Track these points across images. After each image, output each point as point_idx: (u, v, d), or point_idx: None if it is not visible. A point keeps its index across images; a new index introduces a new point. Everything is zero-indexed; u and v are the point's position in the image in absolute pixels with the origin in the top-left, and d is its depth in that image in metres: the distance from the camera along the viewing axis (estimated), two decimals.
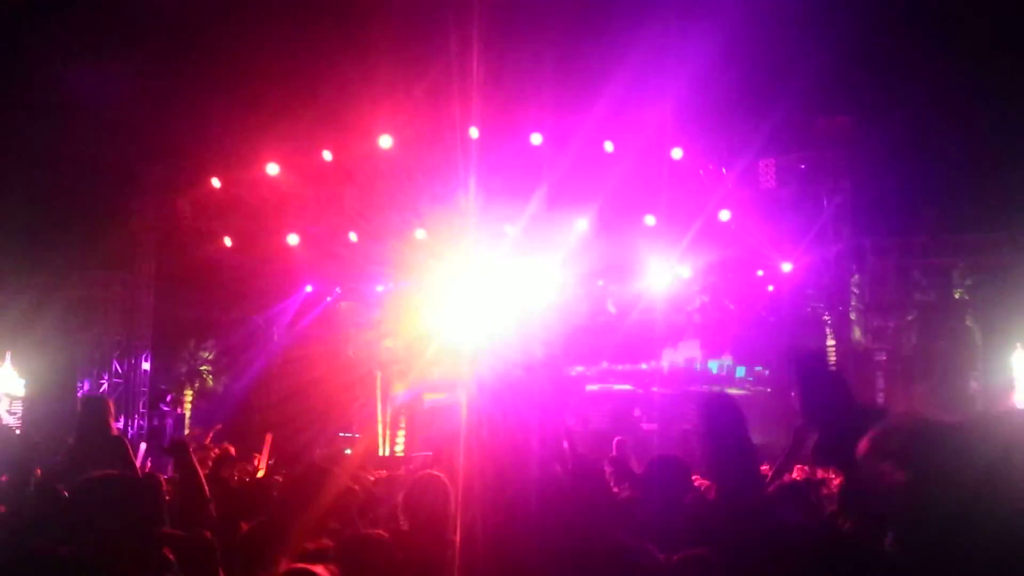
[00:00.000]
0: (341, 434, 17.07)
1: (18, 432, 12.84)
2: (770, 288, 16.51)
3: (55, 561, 3.08)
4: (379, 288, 17.57)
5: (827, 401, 1.81)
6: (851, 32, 12.74)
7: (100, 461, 6.01)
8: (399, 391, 18.56)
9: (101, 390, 16.02)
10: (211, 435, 12.52)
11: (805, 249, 15.51)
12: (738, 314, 16.84)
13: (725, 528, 4.35)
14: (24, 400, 15.22)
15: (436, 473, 4.90)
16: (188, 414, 17.99)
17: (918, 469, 1.47)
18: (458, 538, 2.91)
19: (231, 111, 14.33)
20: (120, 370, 16.79)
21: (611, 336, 17.48)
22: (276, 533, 4.00)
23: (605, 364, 18.19)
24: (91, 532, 3.16)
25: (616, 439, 12.17)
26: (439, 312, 16.73)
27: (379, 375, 18.41)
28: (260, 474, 11.28)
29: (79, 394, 15.69)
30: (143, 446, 11.25)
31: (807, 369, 1.85)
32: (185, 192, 16.48)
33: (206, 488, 4.98)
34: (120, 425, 14.76)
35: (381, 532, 4.60)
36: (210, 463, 8.34)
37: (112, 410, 7.28)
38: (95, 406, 7.03)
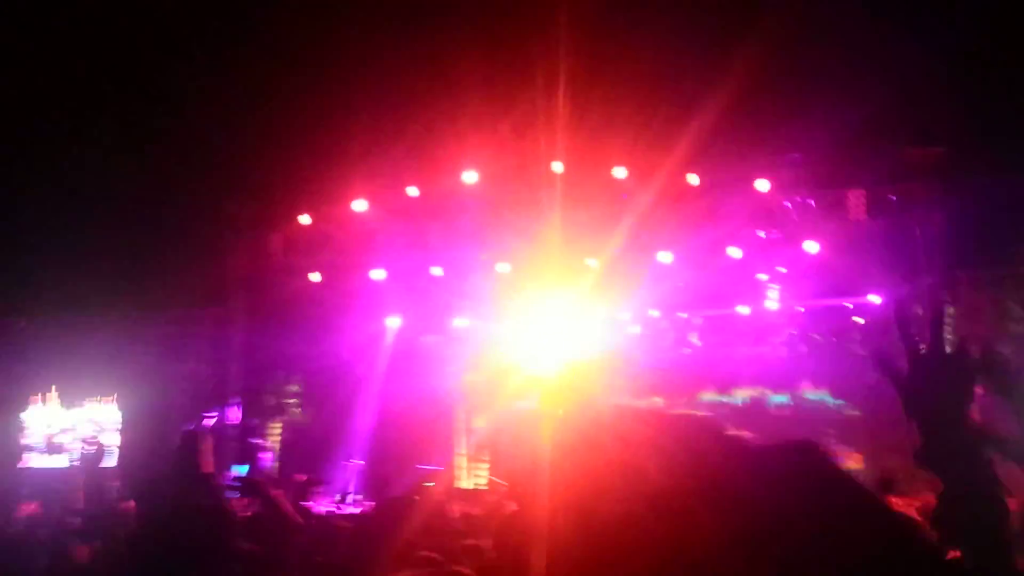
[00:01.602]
0: (419, 466, 17.12)
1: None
2: (860, 320, 16.11)
3: None
4: (462, 322, 17.66)
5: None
6: (945, 60, 12.46)
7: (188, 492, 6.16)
8: (480, 424, 18.56)
9: (196, 424, 16.36)
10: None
11: (896, 281, 15.11)
12: (827, 346, 16.45)
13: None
14: (122, 433, 15.66)
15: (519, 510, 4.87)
16: (277, 446, 18.27)
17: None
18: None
19: (321, 148, 14.63)
20: (212, 404, 17.13)
21: (695, 369, 17.25)
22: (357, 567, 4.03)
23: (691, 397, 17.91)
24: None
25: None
26: (522, 346, 16.72)
27: (461, 408, 18.45)
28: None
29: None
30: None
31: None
32: (277, 228, 16.85)
33: (291, 514, 5.03)
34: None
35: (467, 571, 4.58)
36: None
37: (209, 444, 7.45)
38: (192, 440, 7.19)
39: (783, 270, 15.64)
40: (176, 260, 15.74)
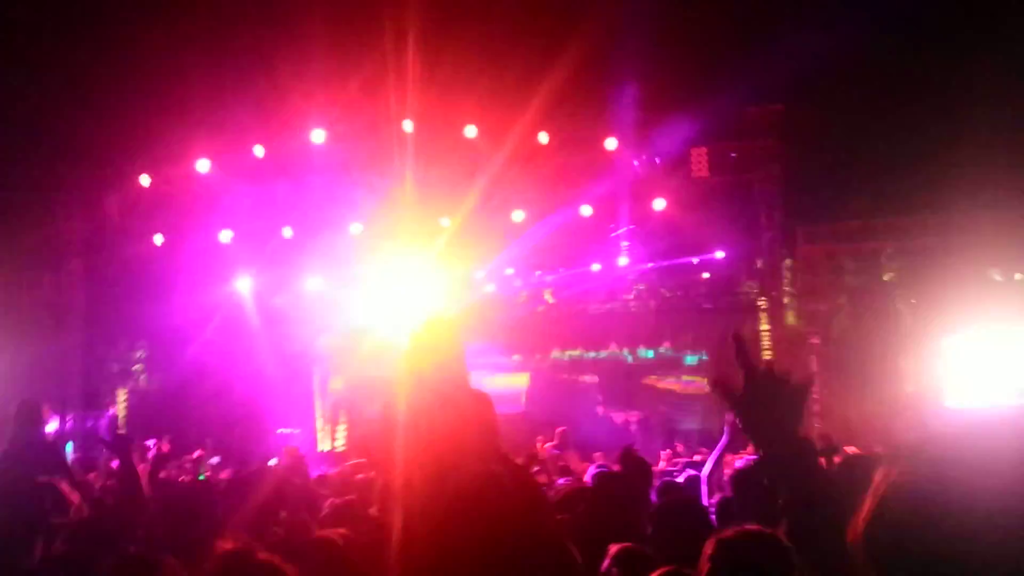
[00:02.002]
0: (279, 430, 16.89)
1: None
2: (705, 275, 16.72)
3: None
4: (314, 283, 17.42)
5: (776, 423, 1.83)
6: (781, 21, 12.94)
7: (34, 465, 5.92)
8: (337, 386, 18.43)
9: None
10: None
11: (738, 236, 15.73)
12: (673, 302, 17.02)
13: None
14: None
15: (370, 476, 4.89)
16: (122, 413, 17.65)
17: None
18: (397, 535, 2.90)
19: (159, 106, 14.07)
20: (52, 372, 16.43)
21: (549, 326, 17.59)
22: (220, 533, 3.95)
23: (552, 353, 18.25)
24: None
25: (560, 429, 12.25)
26: (376, 306, 16.64)
27: (316, 371, 18.27)
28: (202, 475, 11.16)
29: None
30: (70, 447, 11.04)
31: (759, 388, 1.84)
32: (113, 190, 16.18)
33: (145, 488, 4.91)
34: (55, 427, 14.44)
35: (331, 534, 4.57)
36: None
37: (46, 414, 7.18)
38: (29, 410, 6.95)
39: (632, 228, 16.04)
40: (5, 223, 14.94)
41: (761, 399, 1.81)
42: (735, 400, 1.81)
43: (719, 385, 1.83)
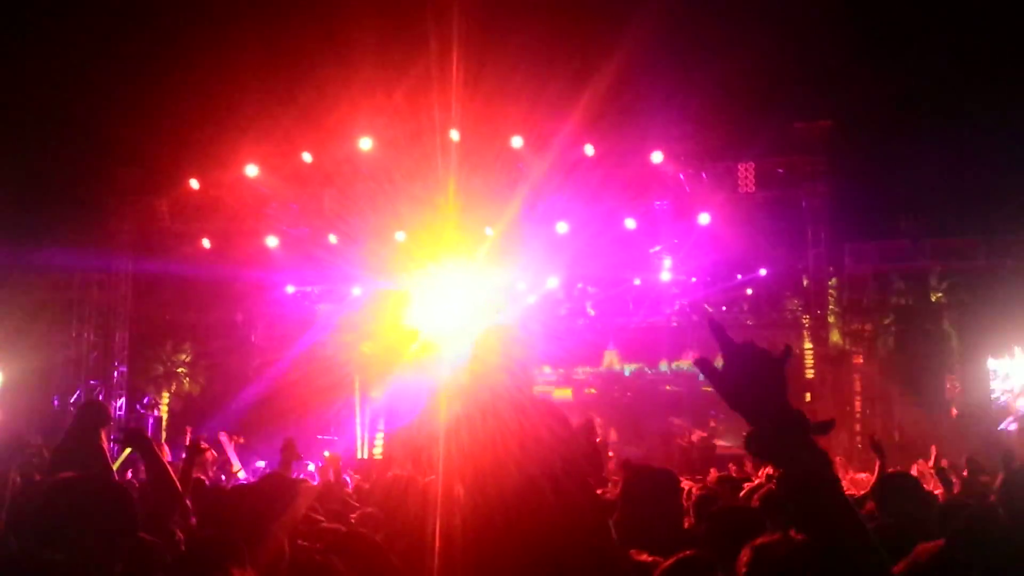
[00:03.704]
0: (320, 436, 16.97)
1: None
2: (748, 291, 16.56)
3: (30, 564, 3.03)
4: (358, 290, 17.49)
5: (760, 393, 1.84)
6: (832, 39, 12.83)
7: (79, 465, 5.97)
8: (377, 395, 18.48)
9: (77, 392, 15.91)
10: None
11: (784, 253, 15.58)
12: (717, 317, 16.85)
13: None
14: (2, 394, 15.06)
15: (411, 476, 4.87)
16: (164, 416, 17.85)
17: None
18: (437, 543, 2.89)
19: (209, 112, 14.27)
20: (96, 371, 16.69)
21: (589, 337, 17.52)
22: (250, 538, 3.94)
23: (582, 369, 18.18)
24: (60, 535, 3.09)
25: (597, 419, 12.19)
26: (418, 315, 16.68)
27: (358, 378, 18.32)
28: (240, 474, 11.23)
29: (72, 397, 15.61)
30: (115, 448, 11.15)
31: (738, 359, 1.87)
32: (163, 193, 16.39)
33: (176, 481, 4.83)
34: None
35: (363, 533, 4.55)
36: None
37: (108, 418, 7.23)
38: (93, 412, 6.99)
39: (675, 241, 15.95)
40: (58, 223, 15.20)
41: (740, 373, 1.82)
42: (716, 375, 1.83)
43: (700, 361, 1.86)
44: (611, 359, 18.05)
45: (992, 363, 14.62)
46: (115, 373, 16.88)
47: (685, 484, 6.82)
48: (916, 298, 15.71)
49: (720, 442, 15.38)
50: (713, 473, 6.89)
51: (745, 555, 2.52)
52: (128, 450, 11.53)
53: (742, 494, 6.12)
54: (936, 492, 7.48)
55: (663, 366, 17.70)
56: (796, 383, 14.90)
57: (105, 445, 7.00)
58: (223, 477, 10.74)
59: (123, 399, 16.82)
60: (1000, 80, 13.57)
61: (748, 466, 9.75)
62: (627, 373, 17.98)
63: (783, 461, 1.81)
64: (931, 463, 9.19)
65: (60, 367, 16.45)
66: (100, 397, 15.45)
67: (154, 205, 16.48)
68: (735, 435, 16.48)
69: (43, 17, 13.03)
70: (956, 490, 7.97)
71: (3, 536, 3.83)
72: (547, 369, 17.87)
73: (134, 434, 5.11)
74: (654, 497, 4.73)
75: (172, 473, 4.76)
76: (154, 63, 13.67)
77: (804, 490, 1.76)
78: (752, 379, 1.81)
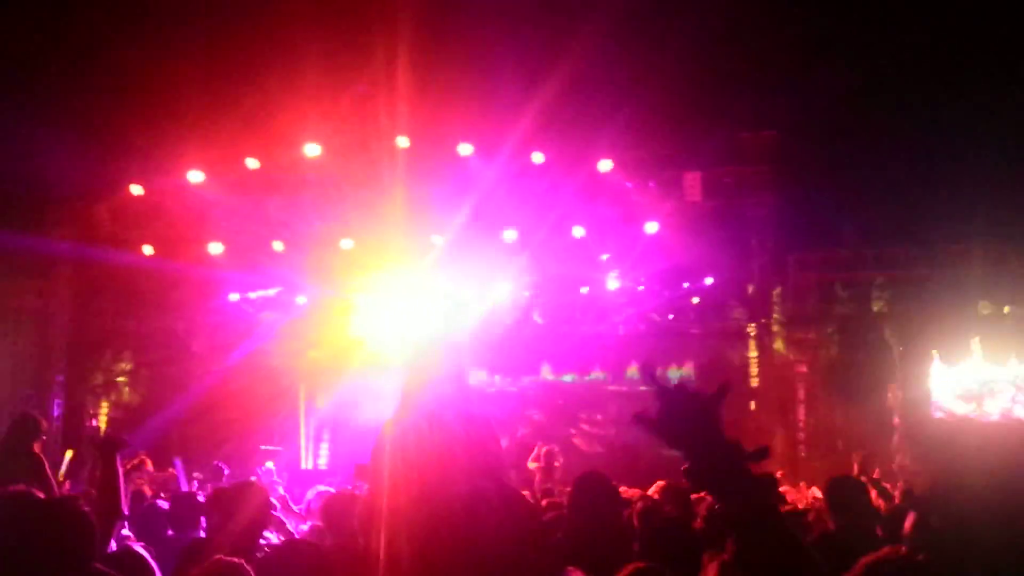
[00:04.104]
0: (263, 447, 16.74)
1: None
2: (695, 300, 16.68)
3: None
4: (303, 298, 17.30)
5: (693, 429, 1.90)
6: (777, 49, 12.99)
7: (15, 478, 5.80)
8: (322, 404, 18.28)
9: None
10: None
11: (729, 262, 15.72)
12: (663, 326, 16.96)
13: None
14: None
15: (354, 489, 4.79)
16: (103, 427, 17.47)
17: None
18: (382, 554, 2.83)
19: (152, 117, 14.00)
20: (33, 380, 16.31)
21: (538, 346, 17.49)
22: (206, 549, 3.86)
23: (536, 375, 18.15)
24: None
25: (544, 449, 12.17)
26: (365, 324, 16.54)
27: (302, 387, 18.12)
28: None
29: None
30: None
31: (671, 398, 1.93)
32: (104, 199, 16.08)
33: (124, 499, 4.72)
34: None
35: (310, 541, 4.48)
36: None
37: (42, 430, 7.08)
38: (26, 426, 6.87)
39: (623, 250, 16.02)
40: None
41: (674, 418, 1.90)
42: (651, 425, 1.91)
43: (637, 418, 1.93)
44: (546, 371, 18.09)
45: (933, 370, 14.88)
46: (53, 382, 16.53)
47: (630, 493, 6.84)
48: (858, 307, 15.92)
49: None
50: (658, 483, 6.89)
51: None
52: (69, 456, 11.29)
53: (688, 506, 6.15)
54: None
55: (594, 375, 17.73)
56: (740, 392, 15.04)
57: (43, 459, 6.84)
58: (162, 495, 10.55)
59: (60, 410, 16.47)
60: (945, 90, 13.86)
61: None
62: (568, 380, 17.99)
63: (720, 494, 1.86)
64: (856, 471, 9.32)
65: None
66: (35, 407, 15.10)
67: (94, 211, 16.18)
68: None
69: None
70: (896, 500, 8.10)
71: None
72: (497, 379, 17.83)
73: (111, 440, 5.00)
74: (599, 511, 4.72)
75: (121, 487, 4.65)
76: (94, 66, 13.39)
77: (743, 521, 1.81)
78: (684, 420, 1.88)
